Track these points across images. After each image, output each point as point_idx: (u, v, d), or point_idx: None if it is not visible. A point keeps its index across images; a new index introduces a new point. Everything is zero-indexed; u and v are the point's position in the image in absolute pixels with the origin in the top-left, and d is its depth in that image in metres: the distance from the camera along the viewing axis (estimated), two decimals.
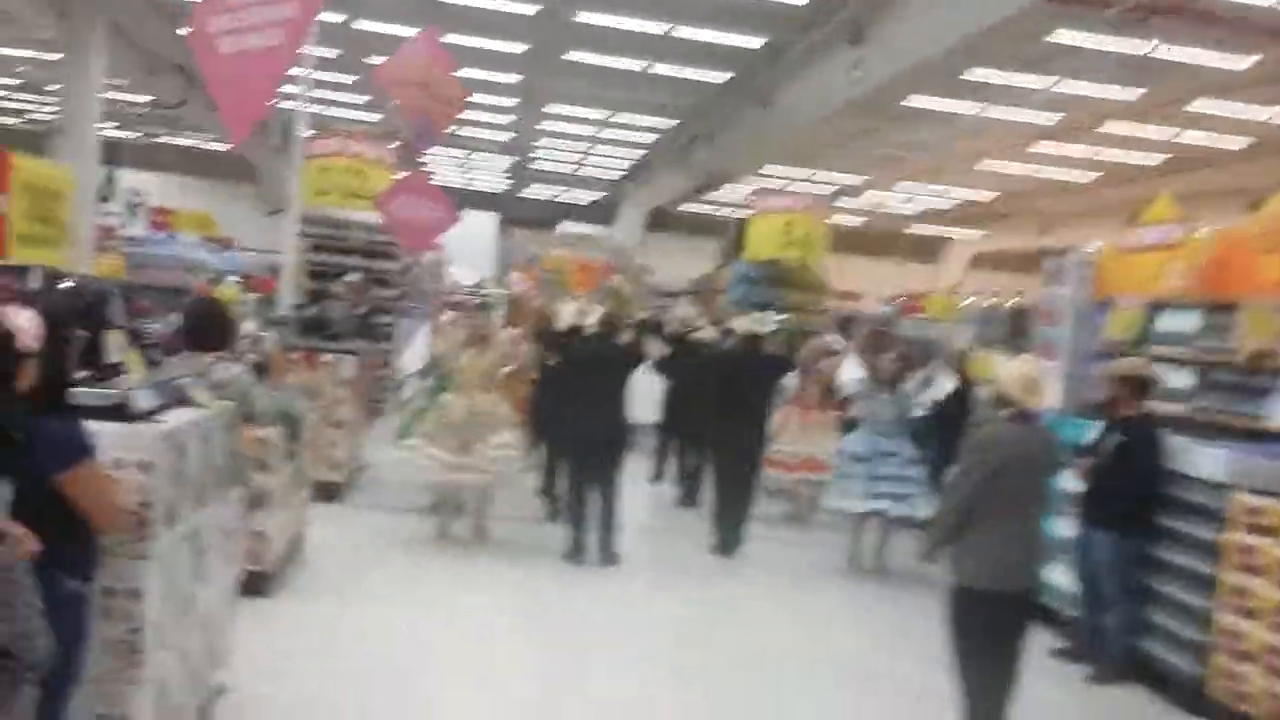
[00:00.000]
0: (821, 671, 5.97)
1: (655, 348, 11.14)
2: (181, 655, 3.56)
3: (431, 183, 9.30)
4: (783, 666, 5.98)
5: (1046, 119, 16.43)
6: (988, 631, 4.44)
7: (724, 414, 8.41)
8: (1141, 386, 6.28)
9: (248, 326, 7.83)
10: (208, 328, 4.54)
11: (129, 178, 28.28)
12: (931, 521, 4.82)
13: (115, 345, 3.42)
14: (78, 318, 3.24)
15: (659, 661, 5.90)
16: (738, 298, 14.81)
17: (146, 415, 3.28)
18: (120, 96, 21.62)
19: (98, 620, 3.07)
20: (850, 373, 9.25)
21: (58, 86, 16.22)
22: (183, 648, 3.57)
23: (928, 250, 34.00)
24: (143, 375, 3.62)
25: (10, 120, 28.00)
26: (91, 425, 3.05)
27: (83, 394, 3.15)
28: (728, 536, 8.41)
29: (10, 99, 26.14)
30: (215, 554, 3.89)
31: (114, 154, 25.14)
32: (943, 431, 9.31)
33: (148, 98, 21.99)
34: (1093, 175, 20.98)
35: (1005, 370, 4.64)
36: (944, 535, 4.60)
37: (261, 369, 5.04)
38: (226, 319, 4.70)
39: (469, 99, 13.01)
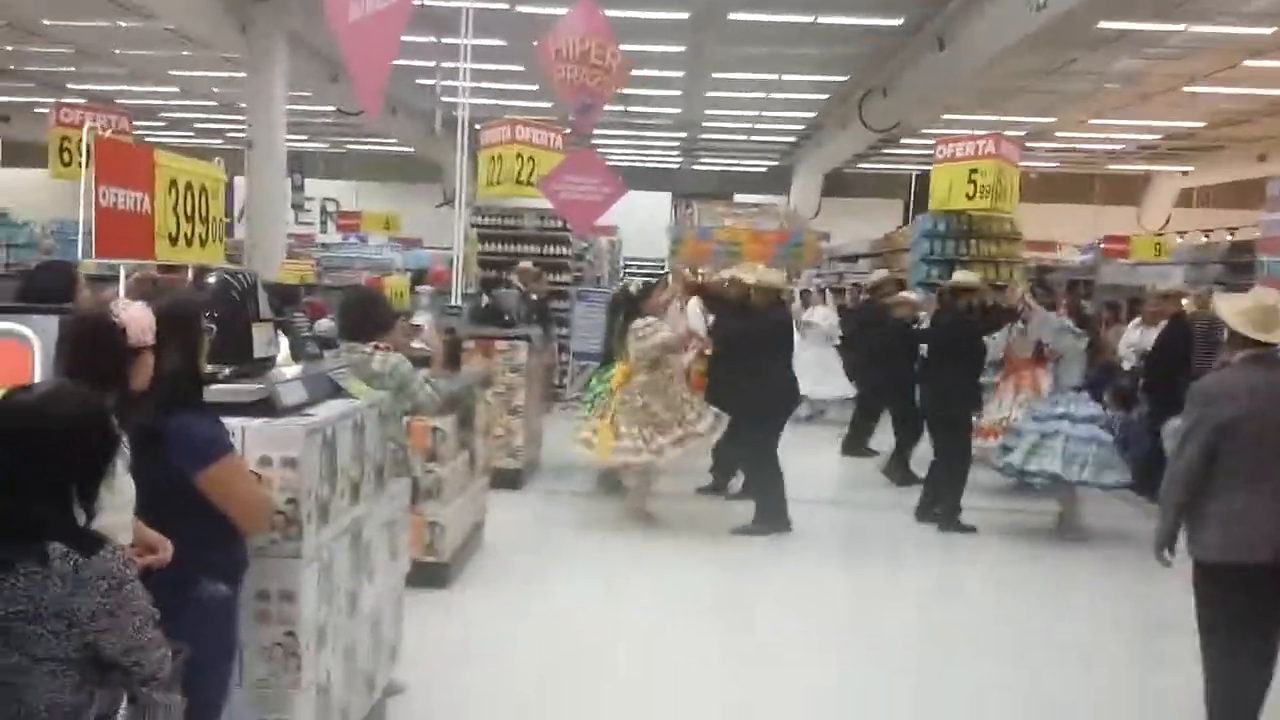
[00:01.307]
0: (1030, 647, 5.44)
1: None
2: (347, 655, 3.45)
3: (597, 159, 9.08)
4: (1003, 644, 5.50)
5: (1260, 32, 14.83)
6: (1234, 611, 3.83)
7: (941, 380, 7.93)
8: None
9: (421, 318, 7.90)
10: (363, 317, 4.45)
11: (321, 187, 29.80)
12: (1159, 499, 4.15)
13: (263, 339, 3.33)
14: (216, 310, 3.14)
15: (861, 645, 5.52)
16: (923, 254, 14.10)
17: (294, 410, 3.16)
18: (305, 107, 22.61)
19: (252, 624, 2.97)
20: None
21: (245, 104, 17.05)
22: (348, 648, 3.46)
23: (1127, 191, 31.68)
24: (293, 369, 3.52)
25: (212, 141, 29.85)
26: (235, 421, 2.95)
27: (225, 390, 3.05)
28: (944, 508, 7.93)
29: (209, 120, 27.79)
30: (379, 549, 3.77)
31: (307, 164, 26.54)
32: (1158, 382, 8.52)
33: (331, 107, 22.90)
34: None
35: (1231, 305, 4.00)
36: (1174, 516, 3.92)
37: (425, 358, 4.91)
38: (383, 308, 4.61)
39: (634, 72, 12.81)
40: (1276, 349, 3.93)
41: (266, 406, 3.07)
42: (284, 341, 3.65)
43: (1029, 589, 6.68)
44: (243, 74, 16.67)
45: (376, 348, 4.37)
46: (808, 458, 10.25)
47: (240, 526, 2.85)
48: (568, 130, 14.10)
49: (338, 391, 3.55)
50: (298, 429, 3.00)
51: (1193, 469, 3.84)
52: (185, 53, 19.19)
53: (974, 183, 13.44)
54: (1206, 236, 23.22)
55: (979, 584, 6.79)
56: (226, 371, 3.14)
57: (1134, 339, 8.85)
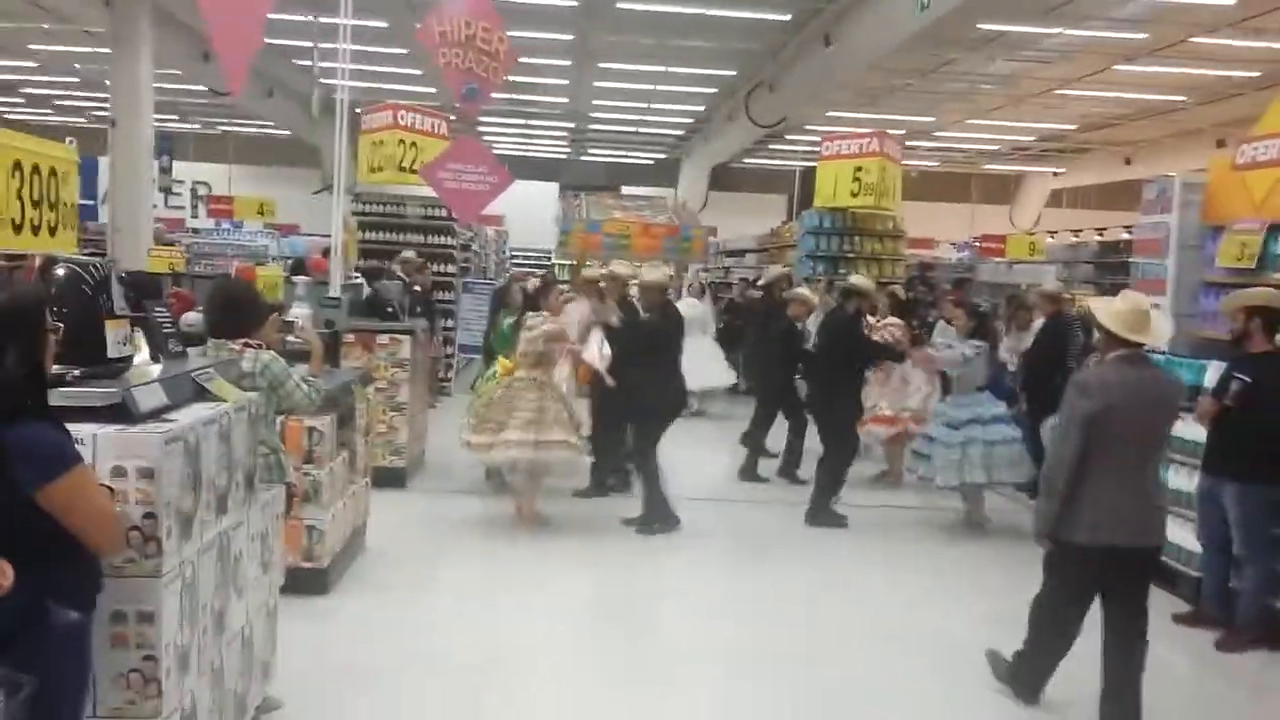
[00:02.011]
0: (923, 649, 5.47)
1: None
2: (214, 677, 3.20)
3: (482, 147, 8.83)
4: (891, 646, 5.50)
5: (1132, 37, 15.41)
6: (1083, 590, 4.25)
7: (831, 377, 7.97)
8: (1274, 319, 5.62)
9: (298, 310, 7.54)
10: (231, 312, 4.14)
11: (193, 170, 28.60)
12: (1042, 489, 4.34)
13: (117, 337, 3.04)
14: (63, 305, 2.86)
15: (751, 649, 5.46)
16: (808, 250, 14.23)
17: (151, 415, 2.90)
18: (176, 85, 21.62)
19: (106, 650, 2.71)
20: (941, 334, 8.80)
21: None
22: (215, 669, 3.21)
23: (1000, 191, 32.76)
24: (152, 370, 3.25)
25: (75, 120, 28.34)
26: (85, 429, 2.68)
27: (73, 394, 2.78)
28: (814, 500, 7.99)
29: (70, 97, 26.38)
30: (250, 562, 3.52)
31: (178, 146, 25.38)
32: (1036, 381, 8.71)
33: (202, 87, 21.94)
34: (1179, 96, 19.77)
35: (1106, 306, 4.23)
36: (1058, 502, 4.15)
37: (302, 354, 4.63)
38: (253, 301, 4.29)
39: (521, 59, 12.53)
40: (1144, 349, 4.24)
41: (121, 412, 2.80)
42: (142, 339, 3.35)
43: (928, 585, 6.73)
44: (107, 50, 15.81)
45: (246, 345, 4.08)
46: (697, 452, 10.24)
47: (92, 545, 2.58)
48: (452, 117, 13.77)
49: (202, 394, 3.29)
50: (155, 436, 2.74)
51: (1075, 457, 4.08)
52: (46, 26, 18.14)
53: (858, 180, 13.61)
54: (1076, 236, 24.11)
55: (876, 582, 6.81)
56: (75, 373, 2.86)
57: (1010, 342, 9.05)
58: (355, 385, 6.19)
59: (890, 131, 14.09)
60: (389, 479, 8.08)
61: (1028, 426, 8.25)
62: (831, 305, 9.38)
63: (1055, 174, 31.38)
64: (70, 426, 2.61)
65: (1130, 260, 8.55)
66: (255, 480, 3.58)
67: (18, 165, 3.24)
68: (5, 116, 27.33)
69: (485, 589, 6.07)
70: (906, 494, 9.03)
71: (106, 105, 16.43)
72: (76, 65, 21.91)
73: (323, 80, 17.34)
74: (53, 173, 3.48)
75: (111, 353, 3.02)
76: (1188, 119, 21.75)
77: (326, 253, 10.22)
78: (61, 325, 2.60)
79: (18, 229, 3.22)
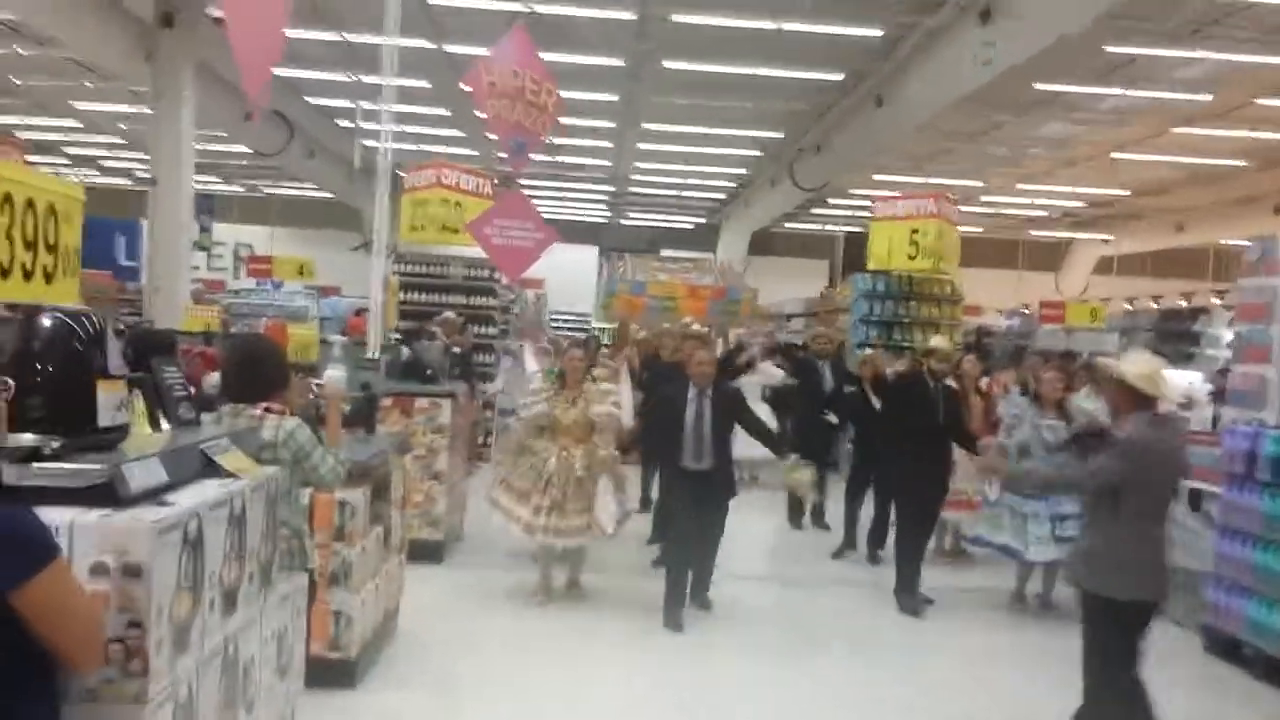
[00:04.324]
0: None
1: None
2: None
3: (528, 202, 8.40)
4: None
5: (1193, 99, 14.87)
6: (1130, 642, 4.25)
7: (920, 450, 7.33)
8: None
9: (332, 373, 7.06)
10: (251, 373, 3.64)
11: (235, 232, 28.63)
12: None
13: (111, 401, 2.54)
14: (46, 363, 2.37)
15: None
16: (861, 314, 13.69)
17: (146, 496, 2.37)
18: (219, 147, 21.61)
19: None
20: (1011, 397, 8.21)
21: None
22: None
23: (1047, 258, 32.07)
24: (153, 440, 2.74)
25: (119, 180, 28.50)
26: (62, 514, 2.17)
27: (48, 470, 2.27)
28: (898, 581, 7.37)
29: (114, 158, 26.52)
30: (264, 668, 2.97)
31: (220, 208, 25.39)
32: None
33: (245, 149, 21.92)
34: (1238, 161, 19.16)
35: (1133, 368, 4.31)
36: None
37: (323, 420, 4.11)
38: (275, 360, 3.77)
39: (564, 120, 12.22)
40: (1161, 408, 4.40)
41: (106, 493, 2.28)
42: (142, 404, 2.84)
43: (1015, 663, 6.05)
44: (149, 110, 15.69)
45: (268, 410, 3.57)
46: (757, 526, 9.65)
47: (65, 661, 2.06)
48: (496, 180, 13.44)
49: (211, 468, 2.77)
50: (144, 525, 2.21)
51: (1097, 488, 4.27)
52: (88, 84, 18.16)
53: (915, 243, 13.12)
54: (1130, 304, 23.41)
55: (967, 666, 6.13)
56: (54, 445, 2.35)
57: (1088, 406, 8.45)
58: (391, 454, 5.67)
59: (948, 194, 13.60)
60: (425, 553, 7.53)
61: None
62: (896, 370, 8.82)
63: (1104, 241, 30.71)
64: (42, 512, 2.10)
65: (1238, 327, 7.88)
66: (273, 570, 3.04)
67: (8, 199, 2.76)
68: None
69: (523, 684, 5.45)
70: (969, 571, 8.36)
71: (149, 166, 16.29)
72: (121, 125, 21.96)
73: (365, 142, 17.23)
74: (52, 211, 3.00)
75: (103, 420, 2.51)
76: (1245, 185, 21.09)
77: (364, 313, 9.79)
78: (11, 383, 2.10)
79: (4, 274, 2.73)
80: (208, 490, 2.60)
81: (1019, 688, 5.94)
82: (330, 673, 4.88)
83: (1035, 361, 13.60)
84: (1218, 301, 19.73)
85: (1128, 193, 23.22)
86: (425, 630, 6.11)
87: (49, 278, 3.13)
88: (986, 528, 7.44)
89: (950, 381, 7.66)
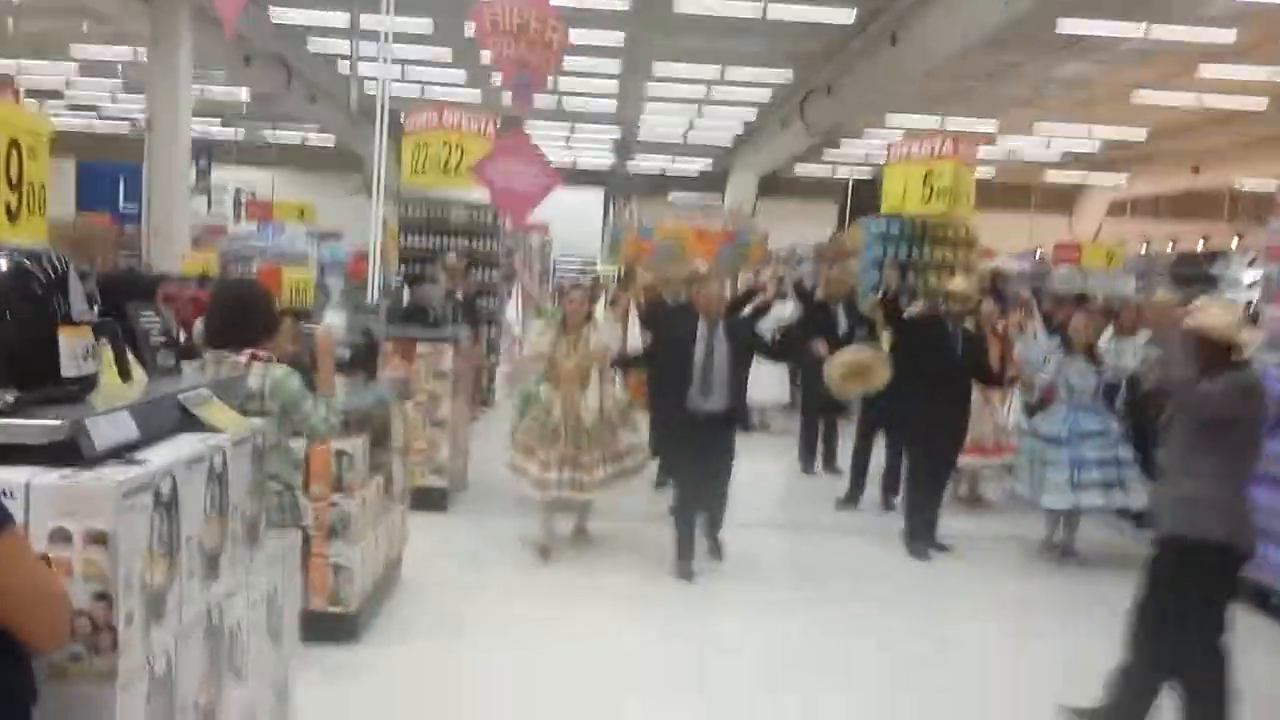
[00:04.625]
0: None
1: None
2: None
3: (531, 145, 8.12)
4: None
5: (1218, 38, 14.43)
6: (1223, 600, 4.07)
7: (936, 394, 7.10)
8: None
9: (331, 317, 6.86)
10: (237, 317, 3.41)
11: (236, 175, 28.26)
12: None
13: (75, 350, 2.32)
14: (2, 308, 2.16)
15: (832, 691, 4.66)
16: (874, 257, 13.39)
17: (113, 454, 2.17)
18: (217, 87, 21.20)
19: None
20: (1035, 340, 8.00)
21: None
22: None
23: (1060, 201, 31.66)
24: (123, 391, 2.53)
25: (119, 124, 28.09)
26: (18, 475, 1.97)
27: (4, 427, 2.06)
28: (906, 526, 7.23)
29: (113, 104, 26.12)
30: (254, 634, 2.79)
31: (219, 152, 25.01)
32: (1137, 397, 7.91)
33: (245, 90, 21.55)
34: (1260, 100, 18.68)
35: (1213, 315, 4.08)
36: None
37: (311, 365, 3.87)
38: (263, 304, 3.54)
39: (569, 60, 11.83)
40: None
41: (68, 451, 2.08)
42: (111, 352, 2.62)
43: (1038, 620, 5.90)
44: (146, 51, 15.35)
45: (254, 357, 3.35)
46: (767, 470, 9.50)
47: (24, 640, 1.87)
48: (499, 122, 13.09)
49: (190, 422, 2.56)
50: (108, 486, 2.00)
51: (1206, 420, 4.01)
52: (86, 27, 17.77)
53: (930, 185, 12.76)
54: (1145, 247, 23.04)
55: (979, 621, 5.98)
56: (8, 399, 2.14)
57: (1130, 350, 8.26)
58: (391, 400, 5.47)
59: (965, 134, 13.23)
60: (428, 500, 7.37)
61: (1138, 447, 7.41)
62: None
63: (1117, 185, 30.24)
64: None
65: (1215, 273, 7.63)
66: (261, 529, 2.85)
67: None
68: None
69: (532, 635, 5.30)
70: (990, 517, 8.19)
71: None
72: (121, 69, 21.57)
73: (365, 83, 16.84)
74: (14, 145, 2.77)
75: (67, 370, 2.29)
76: (1263, 125, 20.63)
77: (365, 257, 9.56)
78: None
79: None
80: (183, 446, 2.40)
81: (1049, 637, 5.79)
82: (331, 627, 4.74)
83: (1065, 305, 13.36)
84: (1237, 241, 19.38)
85: (1145, 134, 22.77)
86: (429, 580, 5.97)
87: (11, 215, 2.92)
88: (1035, 487, 7.18)
89: (968, 324, 7.44)
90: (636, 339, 8.01)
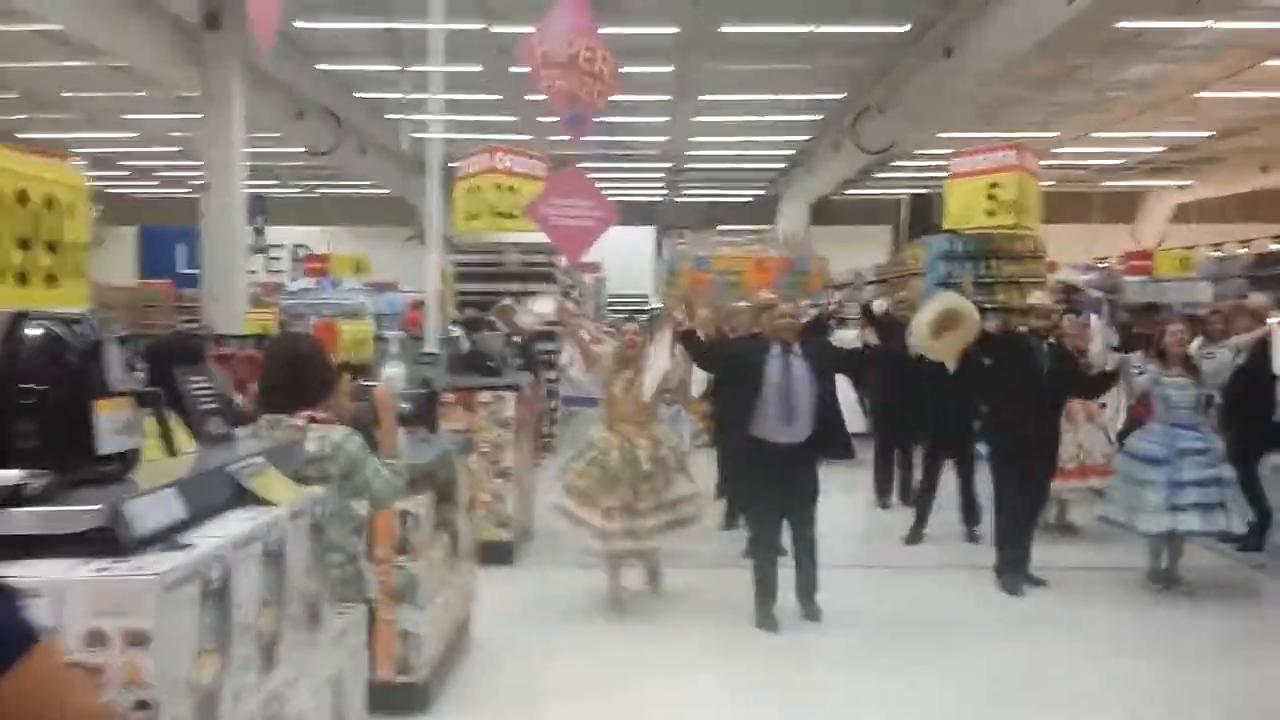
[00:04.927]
0: None
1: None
2: None
3: (585, 179, 7.93)
4: None
5: None
6: None
7: (1025, 417, 6.69)
8: None
9: (390, 370, 6.67)
10: (292, 377, 3.21)
11: (292, 234, 28.63)
12: None
13: (114, 424, 2.12)
14: (32, 380, 1.96)
15: None
16: (937, 278, 13.01)
17: (154, 540, 1.95)
18: (273, 149, 21.46)
19: None
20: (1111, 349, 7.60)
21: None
22: None
23: (1121, 209, 30.82)
24: (168, 468, 2.32)
25: (177, 190, 28.62)
26: (50, 571, 1.76)
27: (34, 515, 1.86)
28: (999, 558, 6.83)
29: (169, 169, 26.61)
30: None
31: (275, 211, 25.36)
32: (1235, 411, 7.47)
33: (299, 149, 21.79)
34: None
35: None
36: None
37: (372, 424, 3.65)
38: (320, 361, 3.33)
39: (617, 97, 11.64)
40: None
41: (106, 539, 1.87)
42: (155, 424, 2.42)
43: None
44: (198, 115, 15.52)
45: (312, 419, 3.14)
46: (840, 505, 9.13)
47: None
48: (550, 162, 12.99)
49: (243, 496, 2.35)
50: (148, 579, 1.78)
51: None
52: (139, 94, 18.08)
53: (994, 198, 12.40)
54: (1217, 251, 22.30)
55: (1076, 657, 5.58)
56: (39, 483, 1.93)
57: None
58: (455, 455, 5.25)
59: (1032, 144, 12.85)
60: (495, 555, 7.13)
61: (1239, 465, 6.97)
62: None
63: (1182, 187, 29.40)
64: (29, 568, 1.69)
65: None
66: (323, 608, 2.62)
67: None
68: (106, 191, 27.72)
69: (607, 697, 5.01)
70: (1082, 546, 7.76)
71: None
72: (172, 133, 21.94)
73: (415, 135, 16.89)
74: (49, 203, 2.59)
75: (105, 447, 2.09)
76: None
77: (422, 306, 9.43)
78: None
79: None
80: (235, 524, 2.18)
81: (1154, 675, 5.37)
82: (400, 698, 4.50)
83: (1128, 318, 12.87)
84: None
85: (1210, 134, 22.10)
86: (500, 641, 5.71)
87: (51, 280, 2.74)
88: (1130, 511, 6.74)
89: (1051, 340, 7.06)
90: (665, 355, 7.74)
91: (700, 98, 18.16)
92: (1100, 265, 21.34)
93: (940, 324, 6.63)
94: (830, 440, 6.00)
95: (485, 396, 7.36)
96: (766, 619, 5.95)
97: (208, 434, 2.74)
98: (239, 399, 4.64)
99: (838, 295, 17.17)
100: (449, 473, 5.20)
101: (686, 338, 6.17)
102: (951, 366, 6.91)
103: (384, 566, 4.53)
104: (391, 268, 23.82)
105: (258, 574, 2.19)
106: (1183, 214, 30.98)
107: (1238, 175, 26.09)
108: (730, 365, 6.34)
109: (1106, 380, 6.88)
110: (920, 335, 6.71)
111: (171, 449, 2.38)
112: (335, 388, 3.35)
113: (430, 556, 4.71)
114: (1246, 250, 20.95)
